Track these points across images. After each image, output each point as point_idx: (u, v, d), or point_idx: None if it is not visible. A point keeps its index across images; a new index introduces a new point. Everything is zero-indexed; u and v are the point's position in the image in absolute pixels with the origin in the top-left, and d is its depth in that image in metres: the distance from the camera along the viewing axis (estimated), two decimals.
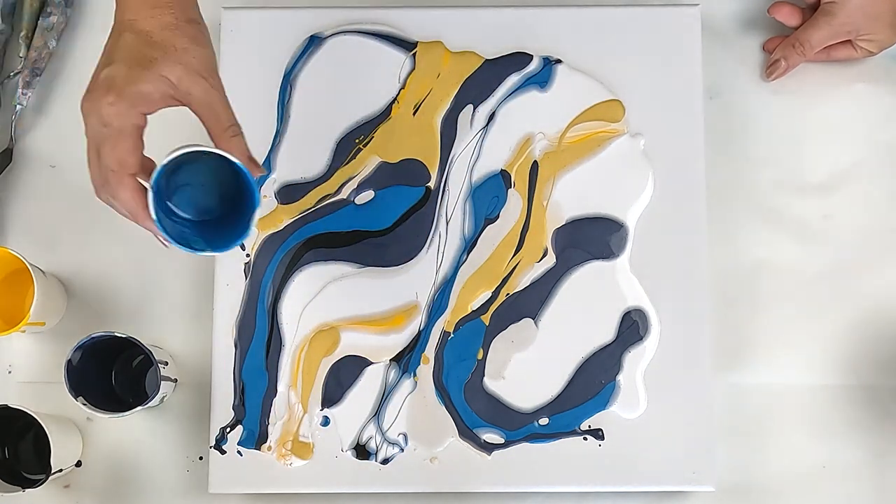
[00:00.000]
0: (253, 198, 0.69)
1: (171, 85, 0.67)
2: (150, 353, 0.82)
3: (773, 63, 0.91)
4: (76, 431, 0.88)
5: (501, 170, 0.89)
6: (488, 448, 0.86)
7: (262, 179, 0.88)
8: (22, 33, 0.93)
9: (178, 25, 0.68)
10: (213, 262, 0.88)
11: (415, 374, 0.87)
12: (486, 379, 0.87)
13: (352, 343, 0.87)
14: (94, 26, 0.94)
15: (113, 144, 0.65)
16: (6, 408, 0.81)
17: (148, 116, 0.67)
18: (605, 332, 0.87)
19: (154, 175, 0.67)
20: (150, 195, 0.67)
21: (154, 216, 0.67)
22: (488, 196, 0.89)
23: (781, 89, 0.92)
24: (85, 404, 0.82)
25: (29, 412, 0.81)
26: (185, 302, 0.90)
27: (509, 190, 0.89)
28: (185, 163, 0.69)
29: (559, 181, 0.89)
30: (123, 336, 0.82)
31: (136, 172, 0.67)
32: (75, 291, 0.91)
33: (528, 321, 0.87)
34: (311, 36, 0.91)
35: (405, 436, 0.86)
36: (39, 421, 0.81)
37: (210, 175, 0.71)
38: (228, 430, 0.86)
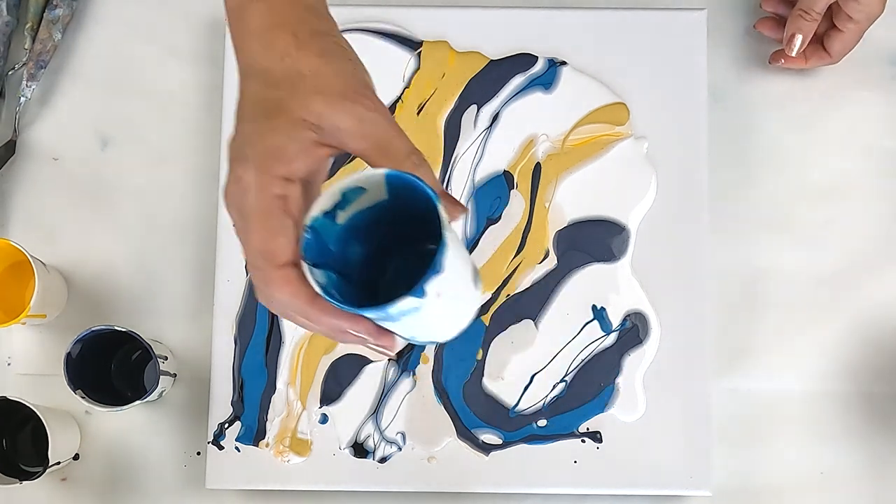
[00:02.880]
0: (442, 241, 0.49)
1: (311, 126, 0.50)
2: (150, 347, 0.82)
3: (789, 40, 0.88)
4: (74, 424, 0.88)
5: (504, 171, 0.89)
6: (486, 449, 0.86)
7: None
8: (27, 25, 0.93)
9: (301, 44, 0.52)
10: (213, 257, 0.88)
11: (414, 374, 0.87)
12: (485, 379, 0.87)
13: None
14: (100, 19, 0.94)
15: (248, 234, 0.48)
16: (5, 400, 0.81)
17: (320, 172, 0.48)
18: (605, 335, 0.87)
19: (304, 243, 0.48)
20: (316, 285, 0.48)
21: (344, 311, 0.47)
22: (491, 197, 0.88)
23: (785, 95, 0.92)
24: (84, 397, 0.81)
25: (27, 404, 0.81)
26: (185, 297, 0.90)
27: (512, 191, 0.88)
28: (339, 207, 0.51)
29: (562, 183, 0.89)
30: (123, 330, 0.82)
31: (290, 261, 0.49)
32: (76, 284, 0.91)
33: (528, 322, 0.87)
34: None
35: (403, 435, 0.86)
36: (38, 413, 0.81)
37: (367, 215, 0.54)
38: (227, 425, 0.86)
